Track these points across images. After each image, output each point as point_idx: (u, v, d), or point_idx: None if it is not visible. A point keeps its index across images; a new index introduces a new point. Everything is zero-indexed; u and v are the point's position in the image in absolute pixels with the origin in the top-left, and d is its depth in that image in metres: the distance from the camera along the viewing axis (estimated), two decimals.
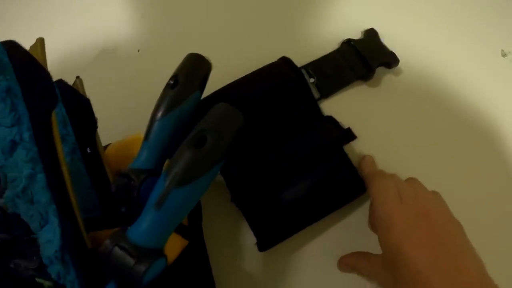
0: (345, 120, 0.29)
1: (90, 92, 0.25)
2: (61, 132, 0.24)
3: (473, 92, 0.32)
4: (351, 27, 0.34)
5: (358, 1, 0.36)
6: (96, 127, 0.25)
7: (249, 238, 0.27)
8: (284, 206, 0.25)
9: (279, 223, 0.25)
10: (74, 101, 0.25)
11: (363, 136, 0.28)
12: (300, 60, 0.30)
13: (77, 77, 0.26)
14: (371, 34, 0.32)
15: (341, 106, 0.30)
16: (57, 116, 0.23)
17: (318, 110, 0.28)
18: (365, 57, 0.31)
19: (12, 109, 0.20)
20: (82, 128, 0.24)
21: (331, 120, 0.28)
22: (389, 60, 0.31)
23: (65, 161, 0.21)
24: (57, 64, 0.34)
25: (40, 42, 0.23)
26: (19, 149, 0.20)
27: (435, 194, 0.24)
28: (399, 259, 0.21)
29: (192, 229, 0.24)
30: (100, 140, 0.25)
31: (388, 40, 0.33)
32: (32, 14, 0.38)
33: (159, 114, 0.22)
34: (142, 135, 0.25)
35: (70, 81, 0.25)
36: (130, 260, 0.18)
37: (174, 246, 0.22)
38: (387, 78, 0.32)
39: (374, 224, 0.27)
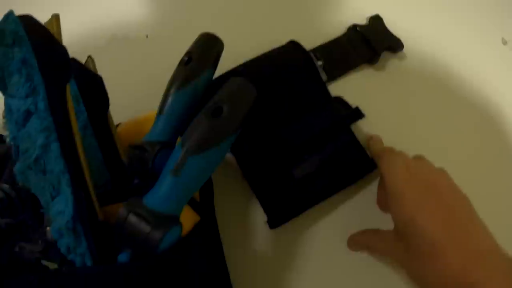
0: (351, 101, 0.29)
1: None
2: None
3: (473, 76, 0.33)
4: (357, 13, 0.34)
5: None
6: (108, 104, 0.25)
7: (259, 217, 0.27)
8: (295, 182, 0.25)
9: (290, 200, 0.25)
10: (86, 78, 0.25)
11: (369, 117, 0.29)
12: (308, 44, 0.31)
13: (89, 56, 0.27)
14: (376, 20, 0.33)
15: (347, 89, 0.31)
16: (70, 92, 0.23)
17: (327, 91, 0.29)
18: (371, 42, 0.31)
19: (28, 79, 0.20)
20: (94, 105, 0.24)
21: (339, 100, 0.29)
22: (394, 45, 0.32)
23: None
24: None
25: (56, 18, 0.23)
26: (33, 119, 0.20)
27: (442, 169, 0.25)
28: (412, 230, 0.21)
29: (204, 204, 0.24)
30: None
31: (393, 26, 0.33)
32: None
33: (173, 88, 0.22)
34: (153, 115, 0.26)
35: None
36: (146, 227, 0.18)
37: (186, 220, 0.22)
38: (392, 62, 0.33)
39: (383, 201, 0.27)
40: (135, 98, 0.31)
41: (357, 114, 0.27)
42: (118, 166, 0.24)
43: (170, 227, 0.18)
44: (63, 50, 0.22)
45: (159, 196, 0.18)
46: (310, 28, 0.34)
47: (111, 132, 0.25)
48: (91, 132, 0.24)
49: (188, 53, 0.24)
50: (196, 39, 0.25)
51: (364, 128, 0.30)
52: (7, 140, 0.21)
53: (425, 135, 0.30)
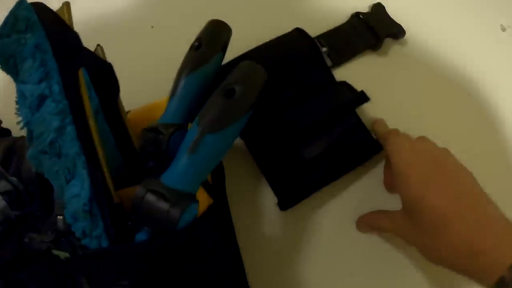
0: (355, 86, 0.30)
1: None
2: None
3: (473, 62, 0.34)
4: (359, 1, 0.35)
5: None
6: (119, 90, 0.25)
7: (269, 200, 0.28)
8: (304, 164, 0.26)
9: (299, 182, 0.26)
10: (96, 65, 0.25)
11: (373, 101, 0.29)
12: (312, 32, 0.31)
13: (98, 45, 0.27)
14: (378, 8, 0.34)
15: (351, 74, 0.31)
16: None
17: (332, 76, 0.29)
18: (374, 29, 0.32)
19: (42, 64, 0.20)
20: (105, 91, 0.25)
21: (345, 84, 0.29)
22: (396, 31, 0.33)
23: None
24: None
25: (67, 5, 0.23)
26: (47, 102, 0.20)
27: (445, 148, 0.26)
28: (421, 207, 0.21)
29: (216, 187, 0.25)
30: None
31: (394, 13, 0.34)
32: None
33: (185, 72, 0.23)
34: (160, 102, 0.26)
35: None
36: (165, 205, 0.18)
37: (201, 202, 0.22)
38: (394, 48, 0.34)
39: (389, 182, 0.27)
40: (141, 87, 0.31)
41: (363, 97, 0.27)
42: (130, 150, 0.24)
43: (188, 205, 0.18)
44: (75, 35, 0.22)
45: (176, 173, 0.19)
46: (314, 16, 0.34)
47: (122, 117, 0.25)
48: (103, 117, 0.24)
49: (198, 39, 0.24)
50: (205, 25, 0.25)
51: (368, 111, 0.30)
52: (21, 125, 0.21)
53: (427, 117, 0.31)
